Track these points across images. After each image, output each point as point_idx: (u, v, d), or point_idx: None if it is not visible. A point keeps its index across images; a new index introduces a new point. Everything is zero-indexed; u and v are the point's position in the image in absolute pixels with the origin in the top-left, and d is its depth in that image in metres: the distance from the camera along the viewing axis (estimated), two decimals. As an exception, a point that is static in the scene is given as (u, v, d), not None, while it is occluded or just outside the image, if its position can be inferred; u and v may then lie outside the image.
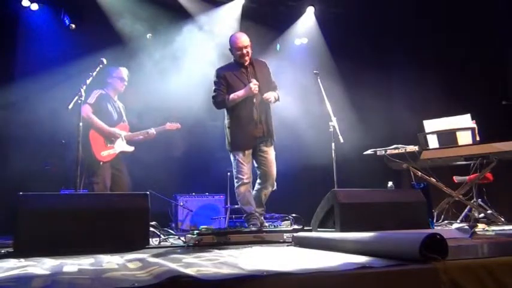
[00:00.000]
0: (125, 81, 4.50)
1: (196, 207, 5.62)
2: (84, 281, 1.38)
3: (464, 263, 1.50)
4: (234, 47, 3.86)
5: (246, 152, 3.83)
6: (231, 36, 3.93)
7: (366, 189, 3.38)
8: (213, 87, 3.90)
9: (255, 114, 3.81)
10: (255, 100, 3.81)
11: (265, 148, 3.88)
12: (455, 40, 5.61)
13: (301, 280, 1.32)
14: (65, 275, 1.49)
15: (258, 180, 3.93)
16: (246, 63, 3.88)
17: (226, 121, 3.92)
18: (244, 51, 3.81)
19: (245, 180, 3.78)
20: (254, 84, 3.74)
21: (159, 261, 1.74)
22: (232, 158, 3.90)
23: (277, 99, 3.98)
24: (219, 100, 3.84)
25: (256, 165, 3.94)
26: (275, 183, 3.92)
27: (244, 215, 3.85)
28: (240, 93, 3.79)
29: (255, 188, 3.92)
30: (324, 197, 3.24)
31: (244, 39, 3.83)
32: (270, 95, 3.83)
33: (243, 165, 3.79)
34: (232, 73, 3.88)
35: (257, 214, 3.79)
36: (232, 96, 3.80)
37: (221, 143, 6.07)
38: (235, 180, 3.88)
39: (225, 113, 3.96)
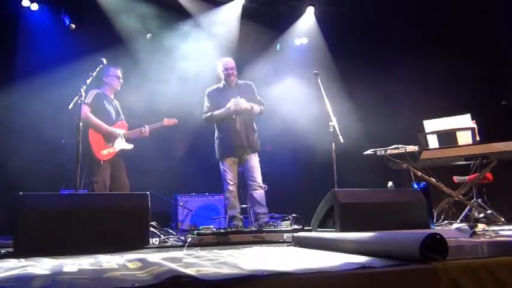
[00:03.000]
0: (120, 79, 4.54)
1: (196, 207, 5.62)
2: (84, 281, 1.38)
3: (464, 263, 1.50)
4: (221, 68, 4.46)
5: (230, 160, 4.35)
6: (219, 60, 4.53)
7: (366, 189, 3.37)
8: (204, 104, 4.50)
9: (237, 125, 4.33)
10: (237, 114, 4.33)
11: (247, 156, 4.39)
12: (455, 40, 5.61)
13: (301, 280, 1.32)
14: (65, 275, 1.49)
15: (248, 186, 4.41)
16: (233, 83, 4.46)
17: (215, 133, 4.49)
18: (230, 71, 4.42)
19: (230, 187, 4.31)
20: (235, 104, 4.30)
21: (159, 261, 1.74)
22: (220, 165, 4.42)
23: (258, 112, 4.49)
24: (206, 117, 4.46)
25: (243, 173, 4.47)
26: (262, 184, 4.41)
27: (228, 217, 4.36)
28: (221, 110, 4.37)
29: (248, 193, 4.42)
30: (324, 197, 3.24)
31: (229, 62, 4.48)
32: (241, 102, 4.31)
33: (227, 172, 4.34)
34: (218, 93, 4.48)
35: (240, 217, 4.32)
36: (215, 113, 4.39)
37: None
38: (223, 186, 4.41)
39: (214, 126, 4.50)
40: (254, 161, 4.39)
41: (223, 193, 4.44)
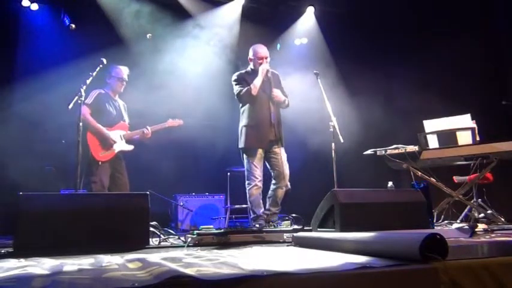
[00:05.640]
0: (123, 81, 4.49)
1: (196, 207, 5.62)
2: (84, 281, 1.38)
3: (464, 263, 1.50)
4: (256, 56, 4.23)
5: (259, 154, 4.08)
6: (253, 47, 4.32)
7: (366, 189, 3.37)
8: (236, 86, 4.21)
9: (272, 118, 4.10)
10: (271, 105, 4.14)
11: (277, 150, 4.14)
12: (455, 40, 5.61)
13: (301, 280, 1.32)
14: (65, 275, 1.49)
15: (273, 181, 4.18)
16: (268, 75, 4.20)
17: (244, 121, 4.18)
18: (265, 60, 4.20)
19: (258, 183, 4.05)
20: (265, 66, 4.11)
21: (159, 261, 1.74)
22: (245, 160, 4.16)
23: (286, 105, 4.31)
24: (244, 91, 4.11)
25: (269, 167, 4.21)
26: (288, 183, 4.18)
27: (253, 216, 4.07)
28: (258, 78, 4.10)
29: (270, 188, 4.17)
30: (324, 197, 3.24)
31: (266, 51, 4.26)
32: (278, 92, 4.18)
33: (256, 168, 4.07)
34: (247, 75, 4.24)
35: (265, 216, 4.03)
36: (253, 83, 4.09)
37: (221, 143, 6.05)
38: (247, 182, 4.13)
39: (243, 113, 4.23)
40: (283, 156, 4.15)
41: (248, 190, 4.09)
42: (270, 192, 4.16)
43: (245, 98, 4.15)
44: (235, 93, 4.23)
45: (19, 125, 5.23)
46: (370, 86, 6.06)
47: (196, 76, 5.91)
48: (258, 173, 4.08)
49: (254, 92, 4.10)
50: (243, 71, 4.33)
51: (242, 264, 1.56)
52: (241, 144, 4.16)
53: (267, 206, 4.18)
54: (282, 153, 4.15)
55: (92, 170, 4.15)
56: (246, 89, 4.11)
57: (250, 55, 4.32)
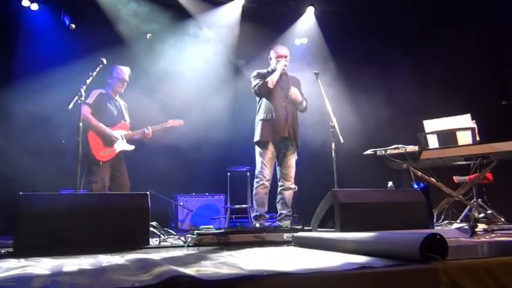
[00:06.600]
0: (124, 82, 4.50)
1: (196, 207, 5.62)
2: (84, 281, 1.38)
3: (464, 263, 1.49)
4: (277, 55, 4.39)
5: (271, 153, 4.17)
6: (274, 47, 4.51)
7: (366, 189, 3.37)
8: (254, 81, 4.35)
9: (287, 116, 4.22)
10: (287, 103, 4.27)
11: (288, 153, 4.27)
12: (455, 40, 5.61)
13: (301, 280, 1.32)
14: (65, 275, 1.49)
15: (279, 183, 4.27)
16: (285, 71, 4.37)
17: (260, 115, 4.30)
18: (284, 58, 4.36)
19: (265, 182, 4.15)
20: (283, 63, 4.29)
21: (159, 261, 1.74)
22: (257, 157, 4.26)
23: (304, 107, 4.43)
24: (261, 83, 4.26)
25: (277, 164, 4.31)
26: (294, 185, 4.28)
27: (255, 214, 4.15)
28: (276, 73, 4.28)
29: (278, 191, 4.26)
30: (324, 197, 3.24)
31: (286, 50, 4.43)
32: (296, 91, 4.31)
33: (266, 167, 4.17)
34: (268, 74, 4.34)
35: (266, 216, 4.15)
36: (270, 77, 4.26)
37: (221, 144, 6.04)
38: (255, 180, 4.23)
39: (259, 109, 4.35)
40: (293, 160, 4.30)
41: (255, 188, 4.20)
42: (278, 196, 4.24)
43: (262, 91, 4.27)
44: (253, 86, 4.35)
45: (19, 124, 5.23)
46: (370, 86, 6.06)
47: (196, 76, 5.91)
48: (267, 172, 4.16)
49: (271, 84, 4.23)
50: (264, 70, 4.46)
51: (242, 264, 1.56)
52: (256, 138, 4.25)
53: (278, 210, 4.22)
54: (291, 157, 4.26)
55: (93, 170, 4.15)
56: (263, 81, 4.25)
57: (271, 54, 4.47)
